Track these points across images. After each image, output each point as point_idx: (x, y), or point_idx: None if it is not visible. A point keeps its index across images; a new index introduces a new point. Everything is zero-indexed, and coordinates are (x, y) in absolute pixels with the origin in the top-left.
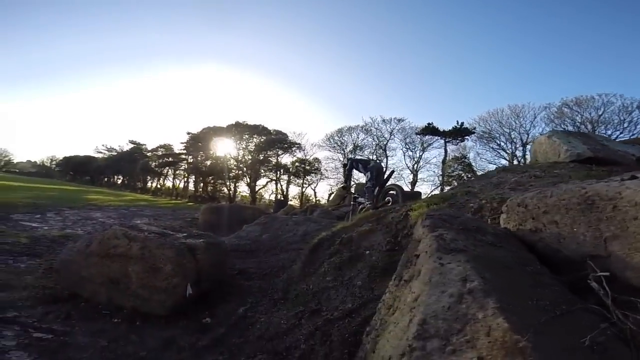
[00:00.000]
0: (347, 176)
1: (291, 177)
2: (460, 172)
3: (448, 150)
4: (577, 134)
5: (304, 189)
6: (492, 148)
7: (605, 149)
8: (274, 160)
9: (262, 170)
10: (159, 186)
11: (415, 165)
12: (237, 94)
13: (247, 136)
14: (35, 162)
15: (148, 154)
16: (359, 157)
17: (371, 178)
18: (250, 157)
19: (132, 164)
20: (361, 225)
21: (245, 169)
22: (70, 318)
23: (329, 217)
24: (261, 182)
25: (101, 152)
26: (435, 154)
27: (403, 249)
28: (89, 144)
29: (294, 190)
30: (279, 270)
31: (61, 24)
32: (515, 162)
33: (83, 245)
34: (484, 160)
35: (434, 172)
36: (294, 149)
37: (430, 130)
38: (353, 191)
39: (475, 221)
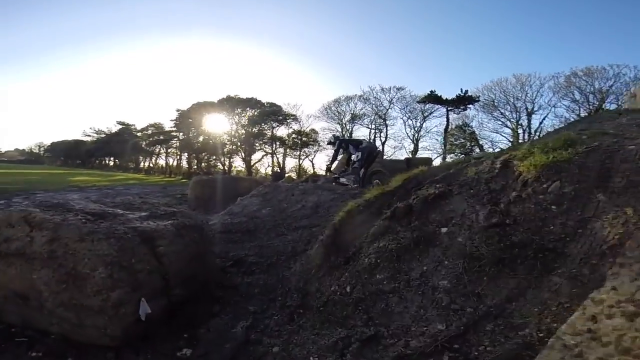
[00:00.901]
0: (334, 157)
1: (287, 150)
2: (464, 140)
3: (450, 118)
4: None
5: (301, 161)
6: (495, 117)
7: None
8: (268, 133)
9: (257, 144)
10: (151, 165)
11: (416, 134)
12: (228, 66)
13: (239, 110)
14: (24, 149)
15: (138, 134)
16: (349, 138)
17: (361, 158)
18: (243, 131)
19: (122, 144)
20: (422, 186)
21: (239, 143)
22: None
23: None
24: (256, 156)
25: (89, 135)
26: (436, 122)
27: (521, 224)
28: (76, 128)
29: (290, 163)
30: (288, 258)
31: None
32: (520, 131)
33: None
34: (487, 129)
35: (436, 139)
36: (289, 120)
37: (432, 98)
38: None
39: None
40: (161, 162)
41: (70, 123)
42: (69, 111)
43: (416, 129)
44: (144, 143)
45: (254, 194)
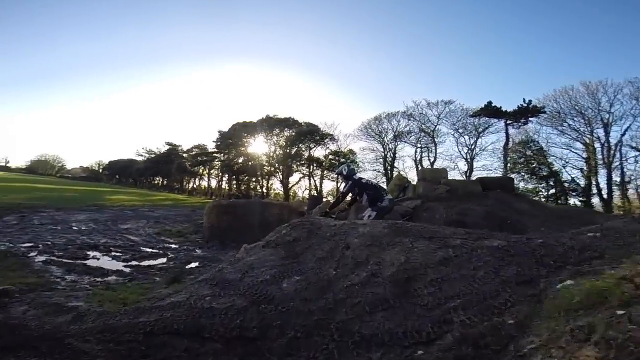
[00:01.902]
0: (340, 198)
1: (325, 172)
2: (529, 157)
3: (509, 133)
4: None
5: (339, 184)
6: (562, 131)
7: None
8: (305, 154)
9: (294, 166)
10: (194, 186)
11: (470, 152)
12: (266, 90)
13: (277, 130)
14: (87, 167)
15: (184, 155)
16: (367, 180)
17: (374, 217)
18: (281, 151)
19: (169, 165)
20: None
21: (277, 164)
22: None
23: (395, 216)
24: (294, 178)
25: (141, 155)
26: (492, 139)
27: None
28: (131, 146)
29: (328, 186)
30: None
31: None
32: (597, 145)
33: None
34: (555, 145)
35: (498, 157)
36: (326, 140)
37: (490, 110)
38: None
39: None
40: (204, 183)
41: (127, 142)
42: (126, 130)
43: (469, 146)
44: (189, 164)
45: (271, 240)
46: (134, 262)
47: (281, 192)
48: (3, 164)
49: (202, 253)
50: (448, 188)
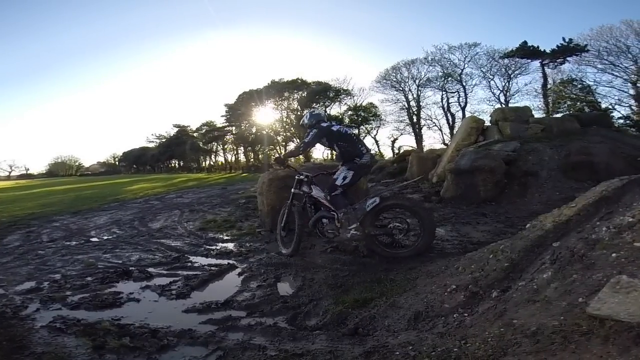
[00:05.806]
0: (301, 147)
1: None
2: (576, 95)
3: (546, 74)
4: None
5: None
6: (602, 70)
7: None
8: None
9: None
10: (211, 163)
11: (503, 95)
12: (268, 55)
13: (286, 94)
14: (104, 162)
15: (194, 134)
16: (341, 127)
17: (348, 182)
18: (294, 115)
19: (181, 146)
20: None
21: (292, 129)
22: None
23: None
24: None
25: (152, 141)
26: (526, 80)
27: None
28: (141, 135)
29: None
30: None
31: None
32: None
33: None
34: (598, 83)
35: (536, 97)
36: (342, 96)
37: (526, 51)
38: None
39: None
40: (220, 158)
41: (136, 130)
42: (133, 119)
43: (503, 89)
44: (201, 142)
45: None
46: (196, 299)
47: (301, 157)
48: (24, 172)
49: (280, 255)
50: (542, 127)
